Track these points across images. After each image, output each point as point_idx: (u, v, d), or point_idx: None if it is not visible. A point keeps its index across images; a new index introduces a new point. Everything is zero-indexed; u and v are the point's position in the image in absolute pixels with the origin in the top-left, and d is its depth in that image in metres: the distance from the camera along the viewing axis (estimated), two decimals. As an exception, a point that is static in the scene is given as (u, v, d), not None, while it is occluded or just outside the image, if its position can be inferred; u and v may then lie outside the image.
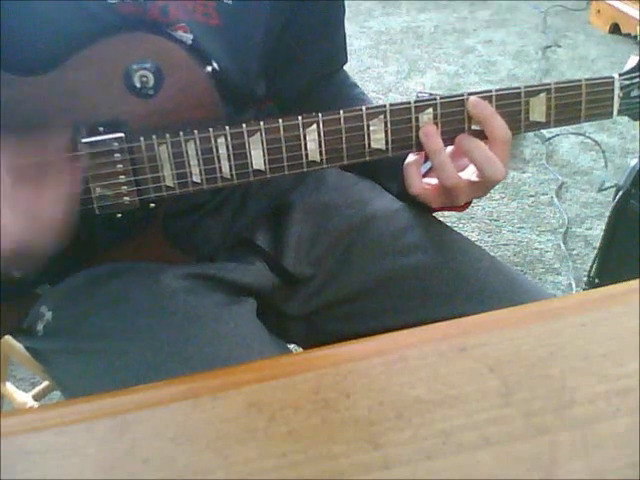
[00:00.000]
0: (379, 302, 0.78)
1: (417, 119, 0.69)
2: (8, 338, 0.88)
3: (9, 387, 1.06)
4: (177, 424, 0.48)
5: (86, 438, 0.48)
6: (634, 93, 0.72)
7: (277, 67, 0.80)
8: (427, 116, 0.69)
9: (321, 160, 0.68)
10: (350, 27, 3.03)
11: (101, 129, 0.64)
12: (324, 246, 0.80)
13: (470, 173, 0.72)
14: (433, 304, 0.76)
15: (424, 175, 0.75)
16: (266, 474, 0.45)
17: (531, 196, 2.05)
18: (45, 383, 1.07)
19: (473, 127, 0.70)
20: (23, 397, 1.05)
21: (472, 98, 0.68)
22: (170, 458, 0.46)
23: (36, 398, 1.06)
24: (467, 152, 0.70)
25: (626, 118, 0.76)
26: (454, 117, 0.69)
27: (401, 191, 0.80)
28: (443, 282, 0.77)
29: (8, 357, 1.01)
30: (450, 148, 0.72)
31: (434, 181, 0.73)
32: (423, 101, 0.68)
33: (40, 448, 0.47)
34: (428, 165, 0.75)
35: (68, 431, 0.48)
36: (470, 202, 0.77)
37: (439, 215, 0.83)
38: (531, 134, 2.28)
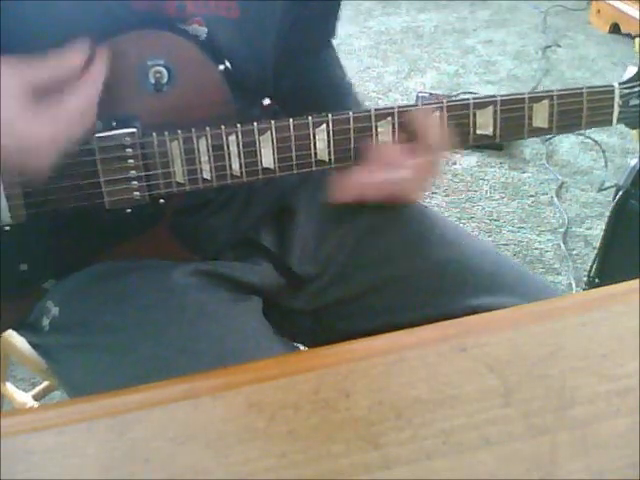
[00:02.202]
0: (388, 299, 0.78)
1: None
2: (8, 337, 0.88)
3: (9, 387, 1.06)
4: (177, 424, 0.48)
5: (86, 438, 0.48)
6: (632, 102, 0.74)
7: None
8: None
9: (329, 160, 0.69)
10: (350, 27, 3.03)
11: (114, 124, 0.65)
12: (332, 244, 0.80)
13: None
14: (443, 299, 0.76)
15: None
16: (266, 474, 0.45)
17: (531, 196, 2.05)
18: (45, 383, 1.07)
19: (478, 132, 0.71)
20: (23, 397, 1.05)
21: (425, 108, 0.69)
22: (170, 458, 0.46)
23: (36, 398, 1.06)
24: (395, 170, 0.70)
25: (634, 132, 0.77)
26: (460, 120, 0.70)
27: None
28: (452, 277, 0.77)
29: (8, 357, 1.01)
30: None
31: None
32: (430, 104, 0.69)
33: (40, 448, 0.47)
34: None
35: (68, 431, 0.48)
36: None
37: (444, 212, 0.84)
38: (531, 134, 2.28)
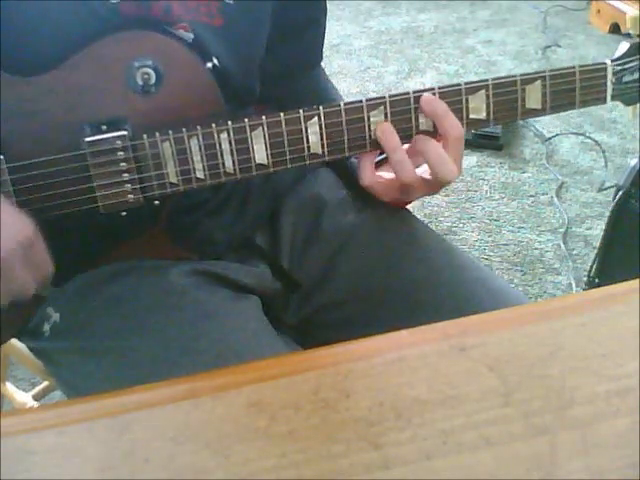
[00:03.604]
0: (366, 311, 0.78)
1: (416, 110, 0.70)
2: (8, 338, 0.88)
3: (9, 387, 1.06)
4: (177, 424, 0.48)
5: (86, 438, 0.48)
6: (626, 78, 0.74)
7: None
8: None
9: (323, 152, 0.69)
10: (350, 27, 3.03)
11: (104, 127, 0.65)
12: (314, 249, 0.80)
13: (424, 170, 0.72)
14: (419, 316, 0.76)
15: (377, 166, 0.75)
16: (266, 474, 0.45)
17: (531, 196, 2.05)
18: (45, 383, 1.07)
19: (471, 116, 0.70)
20: (23, 397, 1.05)
21: (425, 95, 0.69)
22: (170, 458, 0.46)
23: (36, 398, 1.06)
24: (422, 152, 0.70)
25: (626, 118, 0.77)
26: (452, 106, 0.70)
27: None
28: (430, 295, 0.77)
29: (8, 357, 1.01)
30: (407, 145, 0.72)
31: (387, 175, 0.74)
32: (422, 91, 0.69)
33: (40, 448, 0.47)
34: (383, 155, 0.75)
35: (68, 431, 0.48)
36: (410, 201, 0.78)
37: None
38: (531, 134, 2.29)
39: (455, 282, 0.78)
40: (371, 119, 0.69)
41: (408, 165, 0.69)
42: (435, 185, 0.72)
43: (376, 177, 0.73)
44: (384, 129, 0.69)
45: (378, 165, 0.75)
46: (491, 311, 0.73)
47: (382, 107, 0.69)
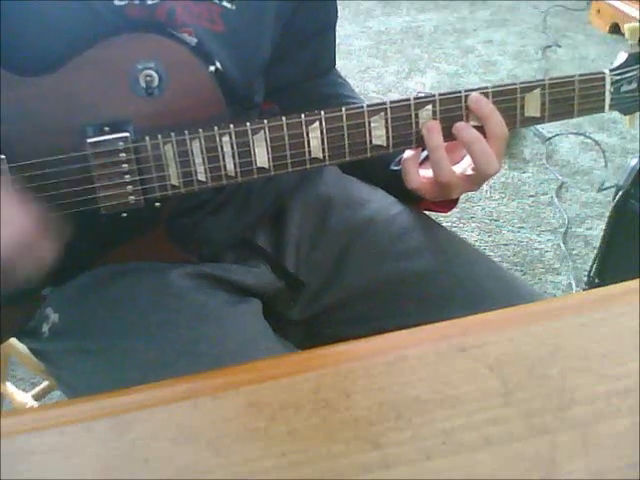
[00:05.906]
0: (376, 306, 0.78)
1: (417, 115, 0.70)
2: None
3: (9, 387, 1.06)
4: (177, 424, 0.48)
5: (86, 438, 0.48)
6: (624, 88, 0.74)
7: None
8: (426, 113, 0.70)
9: (324, 157, 0.69)
10: (350, 27, 3.03)
11: (106, 129, 0.65)
12: (322, 248, 0.80)
13: (464, 167, 0.72)
14: (429, 309, 0.76)
15: (420, 164, 0.75)
16: (266, 474, 0.45)
17: (531, 196, 2.05)
18: (45, 383, 1.07)
19: (471, 123, 0.71)
20: (23, 397, 1.05)
21: (473, 94, 0.69)
22: (170, 458, 0.46)
23: (36, 398, 1.06)
24: (467, 143, 0.70)
25: (626, 118, 0.76)
26: (453, 113, 0.70)
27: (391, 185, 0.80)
28: (440, 287, 0.77)
29: (8, 357, 1.01)
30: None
31: (430, 173, 0.73)
32: (422, 98, 0.70)
33: (40, 448, 0.47)
34: (424, 154, 0.75)
35: (68, 431, 0.48)
36: (455, 204, 0.78)
37: (438, 217, 0.83)
38: (531, 134, 2.28)
39: (465, 274, 0.78)
40: (372, 124, 0.69)
41: (446, 164, 0.70)
42: (476, 180, 0.72)
43: (421, 178, 0.73)
44: (431, 127, 0.69)
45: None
46: (502, 304, 0.73)
47: (382, 113, 0.69)
